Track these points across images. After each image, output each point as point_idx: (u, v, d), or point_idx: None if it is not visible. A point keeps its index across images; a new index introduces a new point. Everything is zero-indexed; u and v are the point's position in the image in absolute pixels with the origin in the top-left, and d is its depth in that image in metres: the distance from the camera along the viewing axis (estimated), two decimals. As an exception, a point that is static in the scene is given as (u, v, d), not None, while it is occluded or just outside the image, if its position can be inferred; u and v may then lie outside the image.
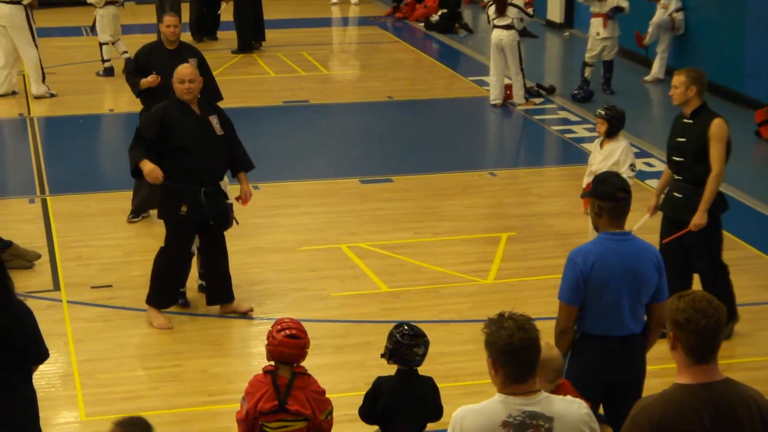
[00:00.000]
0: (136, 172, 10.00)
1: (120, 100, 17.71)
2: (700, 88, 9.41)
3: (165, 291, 10.16)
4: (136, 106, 12.70)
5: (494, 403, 5.01)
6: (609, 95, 17.77)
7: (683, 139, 9.48)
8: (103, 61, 19.06)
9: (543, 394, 5.04)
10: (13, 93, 17.66)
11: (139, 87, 11.93)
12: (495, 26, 17.34)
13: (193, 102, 10.03)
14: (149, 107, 11.74)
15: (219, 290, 10.29)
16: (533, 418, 4.96)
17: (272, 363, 7.10)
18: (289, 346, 7.08)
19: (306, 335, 7.17)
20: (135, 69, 12.12)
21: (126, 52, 18.48)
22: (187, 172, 9.83)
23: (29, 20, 17.06)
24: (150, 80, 11.83)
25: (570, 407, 5.04)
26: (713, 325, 4.77)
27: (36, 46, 17.23)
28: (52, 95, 17.50)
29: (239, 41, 21.30)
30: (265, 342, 7.06)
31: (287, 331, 7.08)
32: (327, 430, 7.24)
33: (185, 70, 10.07)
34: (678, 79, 9.43)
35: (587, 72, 17.96)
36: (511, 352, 4.95)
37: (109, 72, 19.04)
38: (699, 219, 9.47)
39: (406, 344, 7.14)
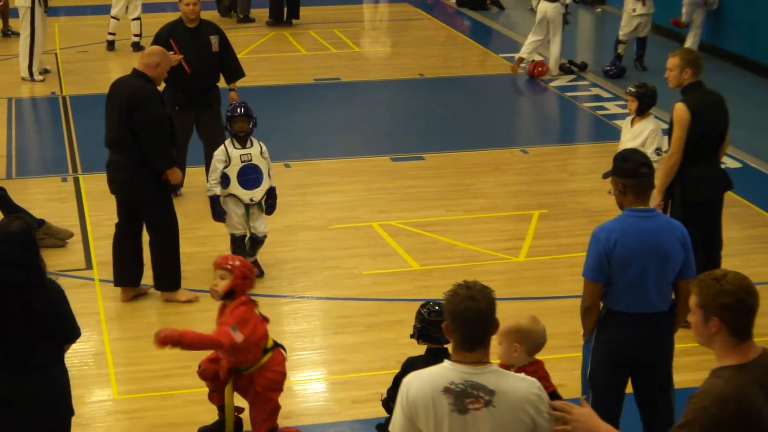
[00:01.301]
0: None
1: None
2: (695, 70, 9.34)
3: (179, 271, 10.30)
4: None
5: (442, 369, 5.01)
6: (641, 72, 17.66)
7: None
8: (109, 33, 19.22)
9: (493, 366, 5.00)
10: (45, 71, 17.66)
11: None
12: None
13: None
14: (171, 85, 11.81)
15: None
16: (475, 388, 4.92)
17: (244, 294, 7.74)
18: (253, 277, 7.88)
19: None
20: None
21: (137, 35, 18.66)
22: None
23: (33, 2, 16.98)
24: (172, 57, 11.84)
25: (518, 384, 4.99)
26: (757, 302, 4.88)
27: (32, 28, 17.10)
28: (33, 80, 17.40)
29: (272, 12, 21.39)
30: (237, 277, 7.63)
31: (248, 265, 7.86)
32: None
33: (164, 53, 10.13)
34: (672, 62, 9.39)
35: (620, 49, 17.87)
36: (459, 321, 4.97)
37: (110, 45, 19.15)
38: (653, 200, 9.38)
39: (434, 321, 7.13)
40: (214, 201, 10.28)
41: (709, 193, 9.51)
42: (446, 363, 5.03)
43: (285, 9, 21.41)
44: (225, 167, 10.22)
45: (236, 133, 10.24)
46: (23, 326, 6.26)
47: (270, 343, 7.81)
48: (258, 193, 10.31)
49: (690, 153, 9.37)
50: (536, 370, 6.41)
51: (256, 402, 7.80)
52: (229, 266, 7.67)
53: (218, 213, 10.34)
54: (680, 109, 9.33)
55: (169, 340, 7.33)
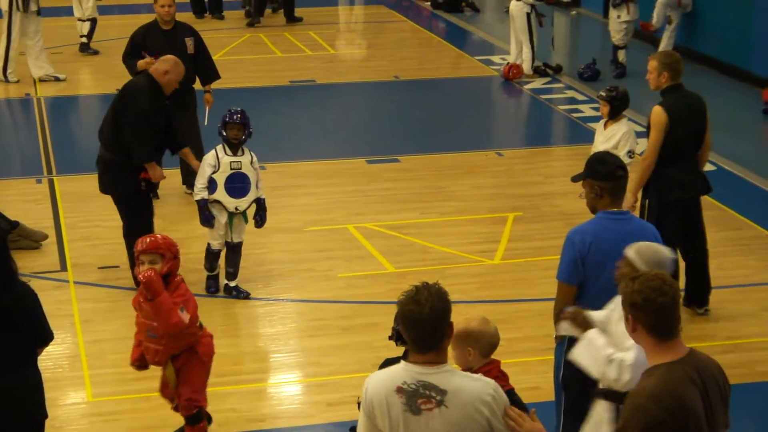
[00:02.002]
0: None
1: (127, 80, 17.64)
2: (672, 74, 9.44)
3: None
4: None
5: (397, 369, 5.04)
6: (617, 75, 17.69)
7: None
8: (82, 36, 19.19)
9: (446, 367, 5.00)
10: (56, 79, 17.47)
11: (136, 69, 11.95)
12: None
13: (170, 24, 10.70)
14: None
15: None
16: (426, 388, 4.93)
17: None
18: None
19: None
20: (131, 50, 12.21)
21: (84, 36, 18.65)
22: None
23: (10, 5, 16.88)
24: (145, 62, 11.84)
25: (471, 384, 4.98)
26: (670, 301, 4.88)
27: (9, 31, 17.02)
28: (7, 81, 17.28)
29: (285, 10, 21.88)
30: (169, 258, 7.44)
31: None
32: None
33: (173, 64, 10.38)
34: (651, 64, 9.57)
35: (621, 55, 17.93)
36: (406, 322, 4.99)
37: (82, 47, 19.13)
38: (625, 201, 9.45)
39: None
40: (203, 205, 10.07)
41: (683, 193, 9.57)
42: (402, 363, 5.06)
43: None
44: (213, 172, 10.05)
45: (229, 139, 10.10)
46: None
47: (198, 323, 7.69)
48: (243, 203, 10.18)
49: (666, 155, 9.43)
50: (490, 369, 6.36)
51: (197, 369, 7.64)
52: (160, 250, 7.39)
53: (207, 218, 10.12)
54: (657, 112, 9.39)
55: (150, 285, 7.23)
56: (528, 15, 17.62)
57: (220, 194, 10.08)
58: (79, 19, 19.14)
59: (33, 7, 17.00)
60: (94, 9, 19.07)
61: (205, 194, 10.09)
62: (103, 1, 19.81)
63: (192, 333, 7.54)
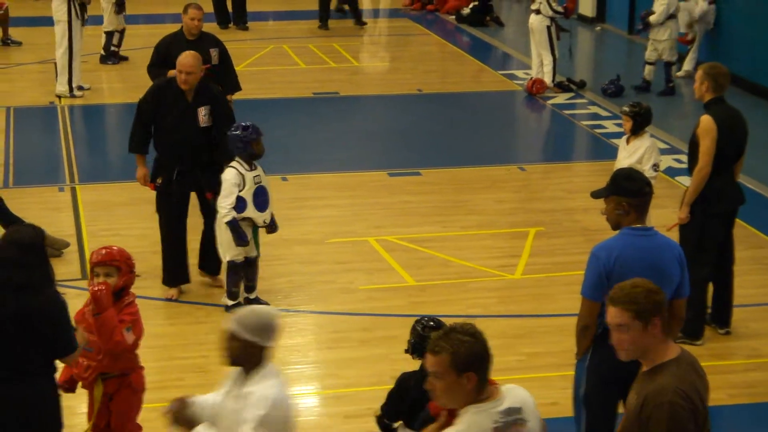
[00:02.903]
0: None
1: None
2: (712, 83, 9.48)
3: (165, 268, 10.61)
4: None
5: (477, 417, 5.02)
6: (644, 92, 17.63)
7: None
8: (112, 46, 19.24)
9: (501, 385, 5.14)
10: (80, 88, 17.50)
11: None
12: (530, 10, 18.03)
13: (189, 91, 10.34)
14: None
15: (210, 260, 10.54)
16: (509, 414, 5.06)
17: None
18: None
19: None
20: (156, 61, 12.22)
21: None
22: (164, 150, 10.48)
23: (69, 14, 16.90)
24: (173, 73, 11.85)
25: (522, 391, 5.20)
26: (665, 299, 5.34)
27: (70, 42, 17.02)
28: (72, 95, 17.32)
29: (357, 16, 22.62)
30: (126, 271, 7.23)
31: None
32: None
33: (185, 60, 10.32)
34: (697, 74, 9.70)
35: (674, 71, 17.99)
36: (482, 361, 5.09)
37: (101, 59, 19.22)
38: (680, 213, 9.56)
39: (429, 336, 7.12)
40: (236, 225, 9.91)
41: (728, 204, 9.61)
42: (474, 410, 5.01)
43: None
44: (240, 191, 9.94)
45: (257, 154, 10.01)
46: (13, 330, 6.22)
47: None
48: (268, 215, 10.14)
49: (713, 166, 9.44)
50: None
51: (130, 399, 7.37)
52: (116, 262, 7.16)
53: (243, 236, 9.95)
54: (707, 122, 9.41)
55: (99, 299, 6.97)
56: (548, 28, 17.65)
57: (251, 211, 9.98)
58: (105, 31, 19.24)
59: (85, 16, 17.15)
60: (111, 22, 19.07)
61: (234, 214, 9.90)
62: (129, 11, 19.83)
63: (130, 357, 7.26)
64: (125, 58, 19.20)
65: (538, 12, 17.70)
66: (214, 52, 12.13)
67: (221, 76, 12.32)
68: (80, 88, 17.39)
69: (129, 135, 10.66)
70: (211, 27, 20.96)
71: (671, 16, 17.64)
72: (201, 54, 11.98)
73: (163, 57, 12.07)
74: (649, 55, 17.89)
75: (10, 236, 6.41)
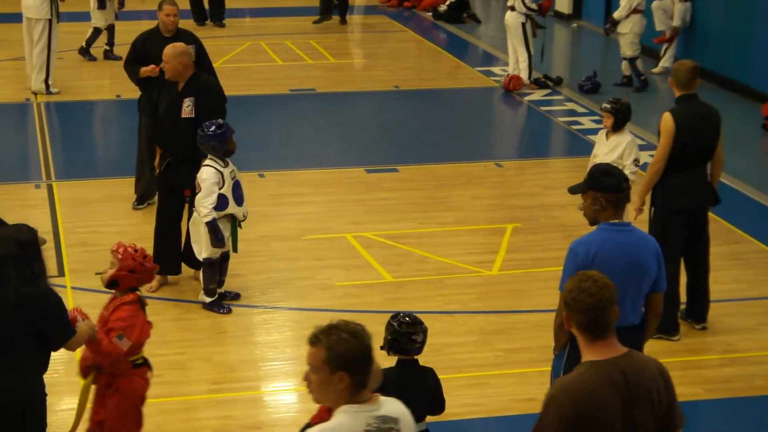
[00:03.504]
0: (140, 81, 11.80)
1: (127, 86, 17.64)
2: (675, 80, 9.59)
3: (155, 256, 10.36)
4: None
5: (350, 417, 4.83)
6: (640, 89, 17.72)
7: None
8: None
9: (381, 396, 4.97)
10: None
11: (138, 75, 11.97)
12: (506, 7, 18.07)
13: (181, 81, 10.47)
14: (148, 94, 11.82)
15: (193, 255, 10.37)
16: (386, 422, 4.89)
17: (131, 290, 7.18)
18: (151, 268, 7.29)
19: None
20: (133, 57, 12.17)
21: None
22: (156, 139, 10.80)
23: (51, 12, 16.81)
24: (149, 70, 11.85)
25: (403, 407, 4.99)
26: (596, 303, 5.06)
27: (49, 40, 16.88)
28: (49, 92, 17.19)
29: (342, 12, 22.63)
30: (122, 268, 7.09)
31: (143, 253, 7.27)
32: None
33: (166, 50, 10.57)
34: None
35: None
36: (366, 359, 4.94)
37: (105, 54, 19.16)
38: (632, 204, 9.46)
39: (405, 333, 7.14)
40: (215, 226, 9.88)
41: (689, 202, 9.59)
42: (348, 409, 4.84)
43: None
44: (220, 188, 9.88)
45: (231, 150, 9.97)
46: (11, 320, 6.31)
47: (139, 358, 7.19)
48: (246, 208, 10.15)
49: (673, 163, 9.51)
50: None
51: (117, 402, 7.13)
52: (119, 254, 7.10)
53: (220, 238, 9.93)
54: (665, 119, 9.49)
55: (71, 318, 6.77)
56: (523, 25, 17.67)
57: (232, 207, 9.96)
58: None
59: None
60: (96, 18, 18.99)
61: (215, 214, 9.86)
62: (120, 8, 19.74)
63: (120, 361, 7.00)
64: (117, 58, 18.94)
65: (513, 9, 17.72)
66: (190, 50, 12.08)
67: None
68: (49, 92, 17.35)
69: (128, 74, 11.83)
70: (187, 24, 20.91)
71: (635, 11, 17.71)
72: None
73: (139, 54, 12.04)
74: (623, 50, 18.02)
75: (9, 233, 6.54)
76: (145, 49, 12.01)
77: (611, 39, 20.86)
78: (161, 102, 10.69)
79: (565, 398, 4.95)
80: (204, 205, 9.85)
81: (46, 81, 17.01)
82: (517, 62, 17.95)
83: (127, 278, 7.11)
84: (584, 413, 4.92)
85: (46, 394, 6.64)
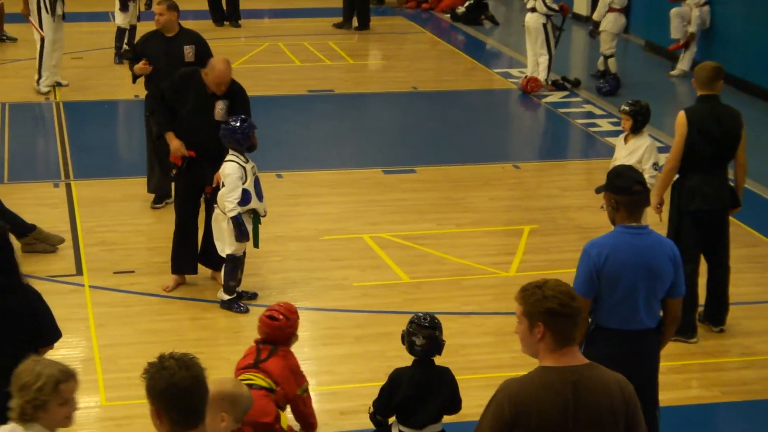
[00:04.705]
0: (160, 137, 10.74)
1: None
2: (697, 82, 9.60)
3: (173, 255, 10.62)
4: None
5: None
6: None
7: None
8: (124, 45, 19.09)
9: None
10: (58, 84, 17.41)
11: (133, 73, 12.05)
12: (526, 9, 18.04)
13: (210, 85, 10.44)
14: (152, 93, 11.83)
15: (212, 255, 10.39)
16: None
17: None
18: (266, 325, 7.91)
19: (287, 320, 7.91)
20: (134, 57, 12.24)
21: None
22: (182, 138, 10.44)
23: (39, 9, 16.69)
24: (139, 67, 11.90)
25: None
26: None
27: (41, 37, 16.83)
28: (39, 92, 17.11)
29: (360, 18, 22.31)
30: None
31: (268, 312, 7.97)
32: (303, 405, 7.96)
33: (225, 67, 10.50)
34: None
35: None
36: (173, 395, 4.49)
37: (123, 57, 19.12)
38: (651, 202, 9.51)
39: (408, 331, 7.20)
40: (240, 221, 9.90)
41: (703, 204, 9.56)
42: None
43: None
44: (244, 183, 9.91)
45: (253, 145, 10.01)
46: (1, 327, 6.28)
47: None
48: (266, 204, 10.19)
49: (687, 164, 9.49)
50: None
51: None
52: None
53: (244, 233, 9.95)
54: (679, 116, 9.54)
55: None
56: (544, 26, 17.66)
57: (255, 202, 10.00)
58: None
59: (59, 11, 16.87)
60: (121, 19, 18.89)
61: (239, 209, 9.89)
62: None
63: None
64: (120, 61, 18.98)
65: (533, 10, 17.71)
66: (188, 49, 11.93)
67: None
68: (58, 84, 17.35)
69: (154, 121, 10.84)
70: (206, 24, 21.00)
71: (611, 10, 17.76)
72: (174, 51, 11.91)
73: (139, 54, 12.08)
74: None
75: None
76: (144, 49, 12.06)
77: (629, 41, 20.89)
78: (185, 101, 10.42)
79: (504, 398, 4.92)
80: (229, 200, 9.86)
81: (38, 79, 16.98)
82: (536, 64, 17.94)
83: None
84: (519, 415, 4.86)
85: None
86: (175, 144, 10.39)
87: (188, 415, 4.48)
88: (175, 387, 4.44)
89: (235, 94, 10.48)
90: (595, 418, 4.90)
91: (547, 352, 5.00)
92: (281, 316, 7.95)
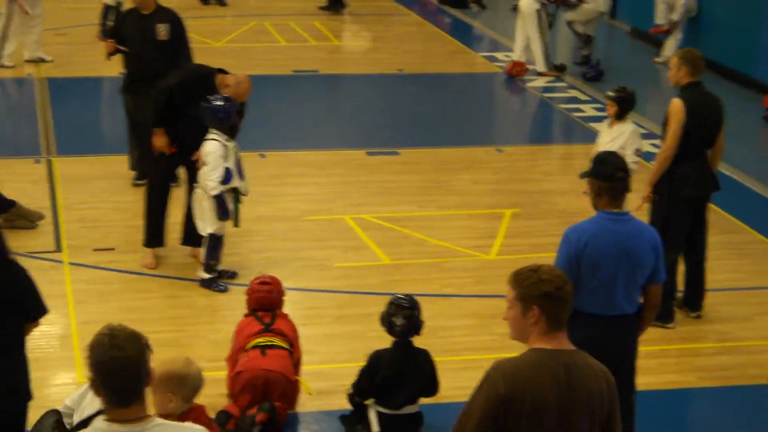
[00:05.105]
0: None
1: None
2: (691, 68, 9.50)
3: (146, 228, 10.65)
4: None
5: None
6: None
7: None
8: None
9: (156, 420, 4.47)
10: (41, 60, 17.35)
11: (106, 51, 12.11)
12: None
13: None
14: (128, 71, 11.79)
15: (195, 233, 10.33)
16: None
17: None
18: (260, 291, 8.09)
19: (277, 283, 8.20)
20: (111, 34, 12.17)
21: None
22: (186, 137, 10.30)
23: None
24: (106, 44, 11.89)
25: None
26: (571, 290, 5.07)
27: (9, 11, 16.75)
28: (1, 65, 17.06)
29: None
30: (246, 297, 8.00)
31: (259, 279, 8.23)
32: (298, 359, 8.11)
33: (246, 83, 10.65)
34: (672, 60, 9.74)
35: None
36: (104, 371, 4.42)
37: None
38: (643, 192, 9.55)
39: (388, 312, 7.21)
40: (223, 199, 9.92)
41: (695, 190, 9.59)
42: (101, 423, 4.45)
43: None
44: (226, 162, 9.90)
45: (235, 125, 10.05)
46: None
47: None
48: (247, 183, 10.19)
49: (680, 151, 9.47)
50: (198, 416, 6.05)
51: None
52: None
53: (226, 211, 9.97)
54: (676, 104, 9.42)
55: None
56: (538, 12, 17.60)
57: (236, 181, 9.99)
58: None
59: None
60: None
61: (222, 187, 9.89)
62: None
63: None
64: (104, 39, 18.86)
65: None
66: (161, 27, 11.80)
67: (171, 51, 11.96)
68: (42, 59, 17.27)
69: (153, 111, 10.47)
70: (192, 2, 20.93)
71: None
72: (147, 29, 11.81)
73: (115, 31, 12.02)
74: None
75: None
76: (121, 26, 12.00)
77: (615, 27, 20.92)
78: (194, 105, 10.07)
79: (500, 376, 4.87)
80: (212, 178, 9.85)
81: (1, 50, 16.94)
82: (525, 49, 17.87)
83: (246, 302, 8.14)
84: (515, 393, 4.82)
85: (28, 366, 6.57)
86: (160, 142, 10.33)
87: (119, 393, 4.43)
88: (103, 365, 4.41)
89: (241, 106, 10.45)
90: (586, 400, 4.91)
91: (539, 336, 5.00)
92: (270, 280, 8.20)
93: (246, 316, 8.13)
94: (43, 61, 17.23)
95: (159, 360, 8.49)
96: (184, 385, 5.89)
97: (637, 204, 9.60)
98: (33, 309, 6.50)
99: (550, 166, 13.97)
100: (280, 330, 7.91)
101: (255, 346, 7.81)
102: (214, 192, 9.87)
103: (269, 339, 7.82)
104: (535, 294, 4.98)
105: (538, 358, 4.94)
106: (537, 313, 4.97)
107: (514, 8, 21.80)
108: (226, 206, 9.92)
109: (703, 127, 9.49)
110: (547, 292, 4.97)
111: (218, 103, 9.87)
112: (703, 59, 9.59)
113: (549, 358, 4.93)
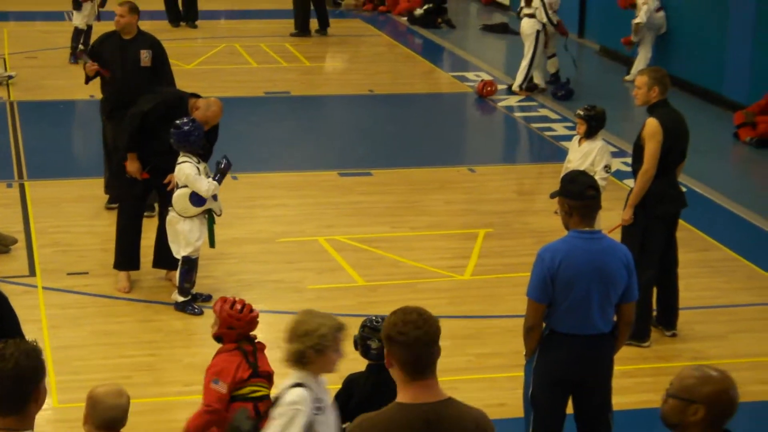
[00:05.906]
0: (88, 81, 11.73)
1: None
2: (662, 88, 9.50)
3: (117, 250, 10.65)
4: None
5: None
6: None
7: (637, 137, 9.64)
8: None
9: None
10: (9, 77, 17.36)
11: (86, 74, 11.99)
12: (521, 16, 17.96)
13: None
14: (105, 96, 11.77)
15: (168, 255, 10.29)
16: None
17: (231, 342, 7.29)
18: (236, 318, 7.26)
19: (244, 303, 7.41)
20: (90, 56, 12.10)
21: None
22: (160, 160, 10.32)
23: None
24: (88, 67, 11.81)
25: None
26: (423, 336, 4.68)
27: None
28: None
29: (298, 22, 21.81)
30: (222, 326, 7.21)
31: (226, 307, 7.28)
32: None
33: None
34: (640, 80, 9.60)
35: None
36: None
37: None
38: (624, 214, 9.59)
39: (362, 335, 7.18)
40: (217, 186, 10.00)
41: (670, 207, 9.65)
42: None
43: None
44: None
45: (209, 152, 10.18)
46: None
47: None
48: (220, 204, 10.18)
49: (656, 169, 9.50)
50: None
51: None
52: (216, 312, 7.31)
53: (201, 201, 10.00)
54: (653, 124, 9.42)
55: None
56: (538, 32, 17.65)
57: (210, 201, 9.99)
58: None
59: None
60: (78, 19, 18.74)
61: (216, 183, 9.95)
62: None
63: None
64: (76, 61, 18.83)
65: (532, 16, 17.64)
66: (145, 53, 11.82)
67: (153, 78, 11.92)
68: (9, 77, 17.29)
69: (126, 135, 10.50)
70: (162, 25, 20.92)
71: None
72: (128, 54, 11.79)
73: (96, 54, 11.92)
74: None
75: None
76: (100, 49, 11.93)
77: (584, 47, 21.03)
78: (168, 129, 10.04)
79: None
80: (203, 184, 9.83)
81: None
82: (542, 70, 17.93)
83: (227, 334, 7.26)
84: None
85: None
86: (133, 167, 10.39)
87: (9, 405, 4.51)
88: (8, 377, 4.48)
89: (213, 129, 10.46)
90: None
91: (402, 384, 4.72)
92: (238, 303, 7.46)
93: (232, 349, 7.40)
94: (8, 77, 17.23)
95: (134, 384, 8.50)
96: (95, 411, 5.70)
97: (611, 226, 9.65)
98: (10, 336, 6.46)
99: (522, 185, 14.03)
100: (266, 372, 7.55)
101: (246, 399, 7.46)
102: (213, 193, 9.92)
103: (258, 388, 7.49)
104: (383, 335, 4.75)
105: (400, 414, 4.65)
106: (387, 356, 4.73)
107: (484, 28, 22.02)
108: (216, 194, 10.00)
109: (677, 144, 9.55)
110: (388, 335, 4.72)
111: (186, 127, 9.86)
112: (668, 77, 9.65)
113: (411, 414, 4.64)
